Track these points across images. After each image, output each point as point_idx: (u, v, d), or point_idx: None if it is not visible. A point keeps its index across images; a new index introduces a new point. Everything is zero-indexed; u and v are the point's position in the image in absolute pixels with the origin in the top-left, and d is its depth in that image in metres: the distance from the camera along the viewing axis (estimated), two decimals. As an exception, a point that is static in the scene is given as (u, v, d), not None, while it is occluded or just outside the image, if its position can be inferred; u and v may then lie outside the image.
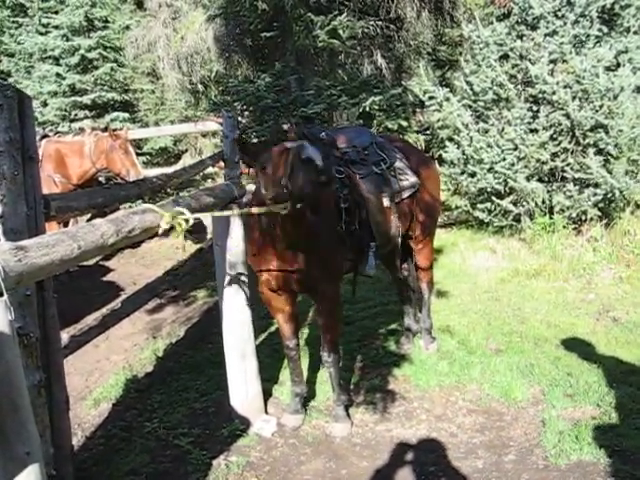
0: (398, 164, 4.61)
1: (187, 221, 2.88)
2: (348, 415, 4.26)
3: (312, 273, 3.85)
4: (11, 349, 1.79)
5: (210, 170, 9.35)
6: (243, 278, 4.13)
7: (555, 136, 7.41)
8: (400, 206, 4.55)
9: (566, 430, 3.90)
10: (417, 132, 11.58)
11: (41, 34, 14.47)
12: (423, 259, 5.09)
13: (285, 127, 10.47)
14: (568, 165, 7.42)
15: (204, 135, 14.51)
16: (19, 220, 2.61)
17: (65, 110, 13.25)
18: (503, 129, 7.61)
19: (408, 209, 4.68)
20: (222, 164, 4.78)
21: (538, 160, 7.41)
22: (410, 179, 4.62)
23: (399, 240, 4.60)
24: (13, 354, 1.80)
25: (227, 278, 4.08)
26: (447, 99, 8.39)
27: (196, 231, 9.82)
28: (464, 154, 8.04)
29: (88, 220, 5.05)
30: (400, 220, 4.53)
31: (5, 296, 1.71)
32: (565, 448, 3.73)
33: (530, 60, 7.54)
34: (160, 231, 2.90)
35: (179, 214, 2.84)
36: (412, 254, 5.07)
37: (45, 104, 13.59)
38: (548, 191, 7.61)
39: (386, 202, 4.38)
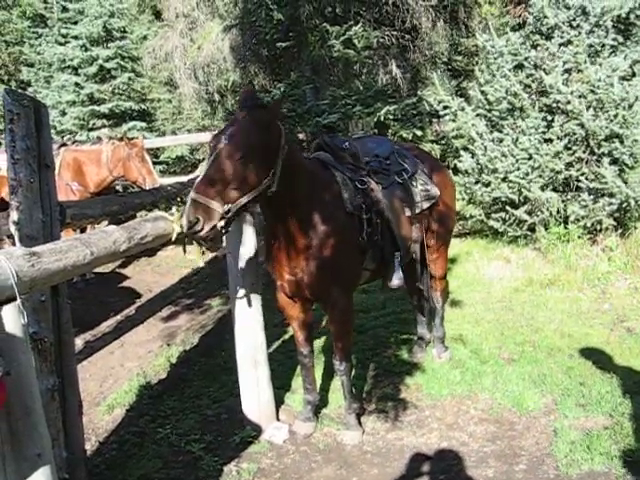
0: (419, 174, 4.61)
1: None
2: (359, 423, 4.27)
3: (323, 281, 3.87)
4: (24, 353, 1.83)
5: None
6: (255, 286, 4.16)
7: (570, 145, 7.39)
8: (420, 216, 4.56)
9: (578, 440, 3.89)
10: (432, 142, 11.60)
11: (60, 44, 14.67)
12: (438, 268, 5.09)
13: (301, 136, 10.57)
14: (583, 175, 7.40)
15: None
16: (35, 227, 2.67)
17: (83, 119, 13.42)
18: (517, 139, 7.60)
19: (426, 219, 4.67)
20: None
21: (552, 170, 7.39)
22: (431, 190, 4.60)
23: (418, 250, 4.60)
24: (26, 358, 1.84)
25: (240, 286, 4.11)
26: (462, 109, 8.39)
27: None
28: (478, 164, 8.04)
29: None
30: (419, 230, 4.54)
31: (18, 301, 1.75)
32: (576, 458, 3.71)
33: (545, 70, 7.53)
34: (173, 238, 2.96)
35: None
36: (426, 263, 5.07)
37: (64, 113, 13.77)
38: (563, 201, 7.58)
39: (407, 212, 4.38)
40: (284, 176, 3.45)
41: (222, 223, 3.12)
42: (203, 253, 3.17)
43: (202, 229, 3.02)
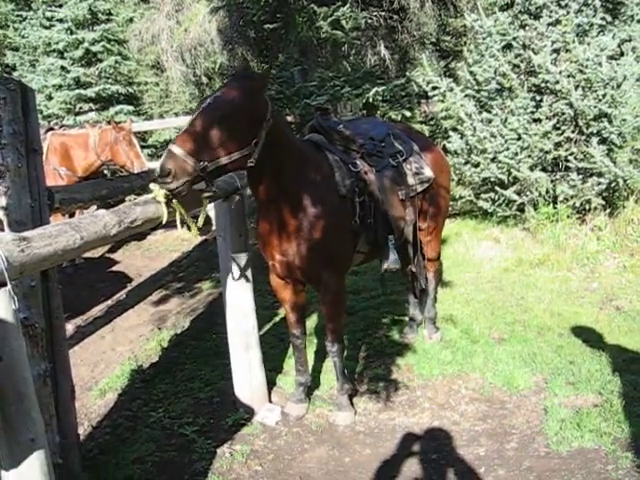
0: (414, 157, 4.59)
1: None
2: (352, 404, 4.29)
3: (316, 263, 3.87)
4: (16, 338, 1.82)
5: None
6: (246, 268, 4.16)
7: (558, 125, 7.39)
8: (414, 199, 4.54)
9: (568, 418, 3.92)
10: (421, 122, 11.58)
11: (45, 27, 14.50)
12: (431, 250, 5.08)
13: (289, 118, 10.54)
14: (572, 154, 7.41)
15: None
16: (23, 212, 2.65)
17: (70, 103, 13.31)
18: (506, 119, 7.60)
19: (420, 202, 4.66)
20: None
21: (541, 150, 7.40)
22: (425, 173, 4.58)
23: (411, 232, 4.60)
24: (18, 343, 1.84)
25: (230, 269, 4.11)
26: (451, 89, 8.37)
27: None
28: (467, 144, 8.04)
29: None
30: (414, 213, 4.53)
31: (9, 286, 1.75)
32: (567, 435, 3.75)
33: (533, 50, 7.51)
34: (164, 221, 2.95)
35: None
36: (420, 245, 5.05)
37: (50, 97, 13.66)
38: (552, 180, 7.60)
39: (401, 195, 4.37)
40: (270, 151, 3.44)
41: (197, 180, 3.11)
42: (197, 227, 3.12)
43: (173, 180, 2.99)
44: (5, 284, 1.75)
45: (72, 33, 13.38)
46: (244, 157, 3.30)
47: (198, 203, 3.29)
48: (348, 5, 10.46)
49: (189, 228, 3.22)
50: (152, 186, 3.02)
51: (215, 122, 3.16)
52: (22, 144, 2.66)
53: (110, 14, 14.04)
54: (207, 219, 3.32)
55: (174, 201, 3.02)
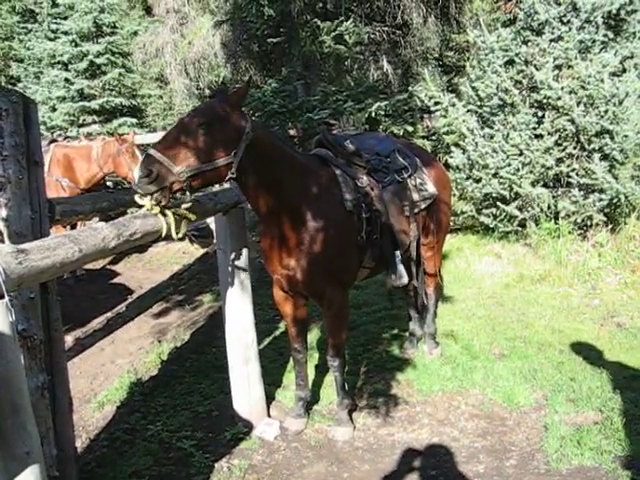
0: (419, 173, 4.60)
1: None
2: (351, 419, 4.27)
3: (320, 278, 3.86)
4: (12, 350, 1.81)
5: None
6: (246, 282, 4.15)
7: (560, 141, 7.41)
8: (417, 215, 4.55)
9: (568, 435, 3.90)
10: (423, 137, 11.60)
11: (50, 40, 14.59)
12: (432, 266, 5.08)
13: (292, 132, 10.56)
14: (573, 170, 7.42)
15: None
16: (23, 223, 2.65)
17: (73, 115, 13.36)
18: (508, 134, 7.61)
19: (423, 217, 4.67)
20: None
21: (543, 165, 7.41)
22: (429, 189, 4.60)
23: (415, 248, 4.60)
24: (14, 355, 1.83)
25: (230, 282, 4.10)
26: (453, 105, 8.40)
27: (202, 235, 9.87)
28: (469, 159, 8.05)
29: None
30: (417, 229, 4.54)
31: (6, 298, 1.74)
32: (567, 453, 3.73)
33: (535, 66, 7.54)
34: (163, 234, 2.95)
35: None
36: (421, 260, 5.05)
37: (54, 109, 13.71)
38: (553, 196, 7.61)
39: (406, 211, 4.39)
40: (256, 163, 3.47)
41: (176, 187, 3.11)
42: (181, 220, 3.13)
43: (153, 182, 3.00)
44: (2, 296, 1.74)
45: (77, 45, 13.45)
46: (224, 167, 3.31)
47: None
48: (351, 20, 10.52)
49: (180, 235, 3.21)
50: (139, 200, 3.04)
51: (193, 130, 3.21)
52: (23, 156, 2.66)
53: (115, 27, 14.12)
54: (209, 231, 3.34)
55: (167, 211, 3.03)
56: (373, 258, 4.15)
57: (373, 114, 10.41)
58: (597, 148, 7.20)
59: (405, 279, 4.26)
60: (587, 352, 5.09)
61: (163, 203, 3.04)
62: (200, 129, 3.21)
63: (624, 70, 7.46)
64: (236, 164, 3.35)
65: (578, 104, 7.15)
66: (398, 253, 4.23)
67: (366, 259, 4.12)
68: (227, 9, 12.12)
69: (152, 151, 3.10)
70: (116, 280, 8.88)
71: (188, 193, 3.23)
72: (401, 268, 4.23)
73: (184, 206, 3.21)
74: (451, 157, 8.42)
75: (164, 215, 3.00)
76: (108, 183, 9.34)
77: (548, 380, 4.68)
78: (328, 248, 3.79)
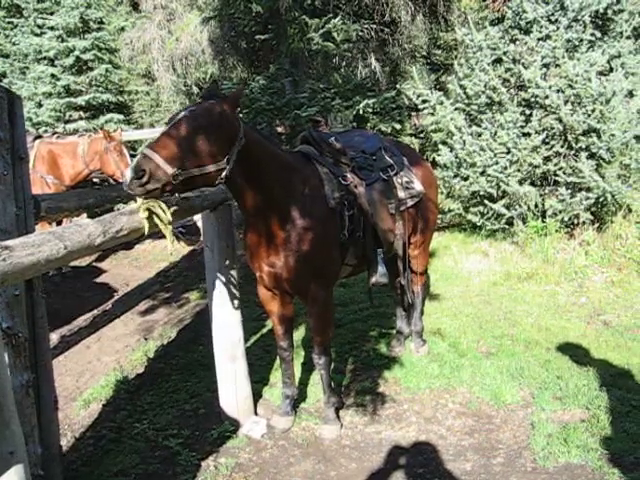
0: (405, 171, 4.59)
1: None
2: (338, 417, 4.27)
3: (303, 276, 3.85)
4: (-4, 348, 1.79)
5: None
6: (233, 280, 4.13)
7: (547, 140, 7.43)
8: (404, 213, 4.54)
9: (555, 433, 3.92)
10: (411, 135, 11.61)
11: (36, 35, 14.45)
12: (419, 264, 5.08)
13: (280, 129, 10.53)
14: (560, 169, 7.45)
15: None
16: (8, 220, 2.62)
17: (60, 111, 13.24)
18: (496, 133, 7.63)
19: (409, 216, 4.66)
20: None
21: (530, 164, 7.43)
22: (415, 187, 4.59)
23: (401, 246, 4.59)
24: (-2, 353, 1.80)
25: (217, 280, 4.08)
26: (441, 103, 8.41)
27: (189, 233, 9.84)
28: (457, 157, 8.06)
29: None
30: (403, 227, 4.53)
31: (-11, 295, 1.72)
32: (553, 451, 3.74)
33: (523, 64, 7.56)
34: (146, 231, 2.92)
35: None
36: (408, 259, 5.05)
37: (40, 105, 13.59)
38: (541, 195, 7.63)
39: (391, 209, 4.37)
40: (246, 167, 3.45)
41: (167, 188, 3.08)
42: (176, 239, 3.08)
43: (146, 183, 2.97)
44: (-14, 294, 1.72)
45: (63, 41, 13.33)
46: (216, 172, 3.28)
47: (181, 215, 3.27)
48: (340, 17, 10.48)
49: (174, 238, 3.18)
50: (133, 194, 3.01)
51: (191, 133, 3.16)
52: (8, 152, 2.63)
53: (102, 22, 14.00)
54: (195, 229, 3.32)
55: (154, 215, 3.00)
56: (355, 256, 4.13)
57: (361, 112, 10.40)
58: (584, 147, 7.23)
59: (385, 278, 4.24)
60: (574, 350, 5.11)
61: (152, 204, 3.00)
62: (198, 132, 3.17)
63: (611, 69, 7.50)
64: (228, 170, 3.33)
65: (566, 103, 7.17)
66: (381, 251, 4.22)
67: (349, 256, 4.10)
68: (215, 5, 12.05)
69: (147, 151, 3.06)
70: (102, 277, 8.83)
71: (177, 194, 3.21)
72: (382, 267, 4.22)
73: (170, 211, 3.18)
74: (439, 155, 8.42)
75: (149, 219, 2.96)
76: (95, 180, 9.25)
77: (535, 378, 4.69)
78: (311, 245, 3.77)
